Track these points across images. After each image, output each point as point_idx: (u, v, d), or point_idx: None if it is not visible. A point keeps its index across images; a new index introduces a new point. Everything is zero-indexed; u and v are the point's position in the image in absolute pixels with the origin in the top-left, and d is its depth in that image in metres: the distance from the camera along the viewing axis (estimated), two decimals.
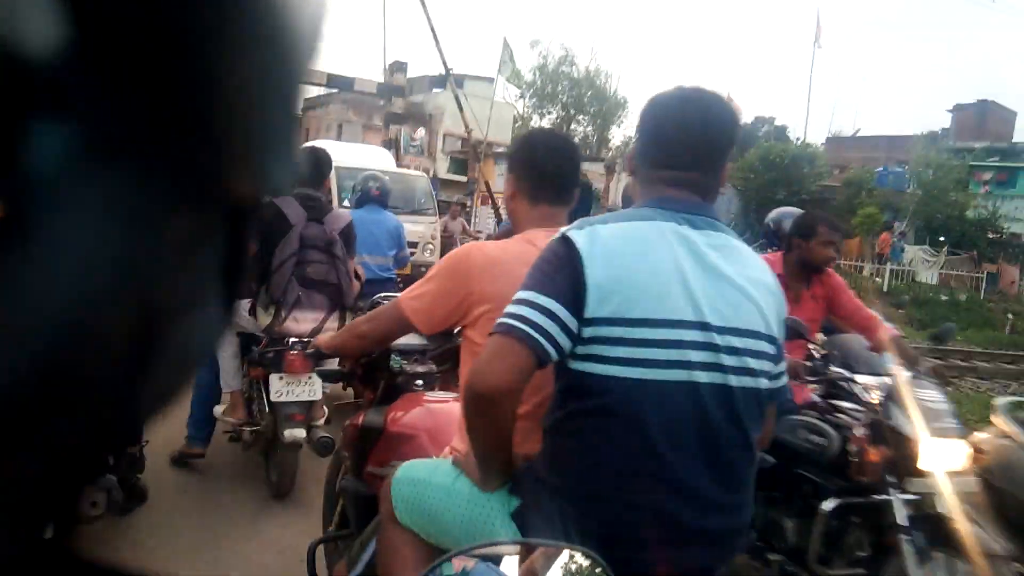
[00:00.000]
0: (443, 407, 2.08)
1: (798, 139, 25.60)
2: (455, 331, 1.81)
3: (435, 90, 25.62)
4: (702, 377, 1.27)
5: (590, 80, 29.53)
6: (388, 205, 5.36)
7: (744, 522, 1.37)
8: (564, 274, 1.26)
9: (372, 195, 5.14)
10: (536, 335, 1.22)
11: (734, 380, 1.29)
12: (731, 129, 1.40)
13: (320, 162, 3.78)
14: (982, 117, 27.25)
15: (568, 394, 1.32)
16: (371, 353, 2.22)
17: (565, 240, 1.30)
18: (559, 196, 1.71)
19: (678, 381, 1.25)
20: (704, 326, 1.27)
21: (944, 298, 17.22)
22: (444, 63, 14.64)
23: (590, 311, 1.24)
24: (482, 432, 1.32)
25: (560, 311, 1.24)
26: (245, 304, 3.64)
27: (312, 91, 33.26)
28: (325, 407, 3.70)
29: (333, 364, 2.33)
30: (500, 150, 19.86)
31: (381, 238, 5.02)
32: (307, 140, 13.56)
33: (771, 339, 1.36)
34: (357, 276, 3.89)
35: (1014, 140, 25.98)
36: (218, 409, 3.79)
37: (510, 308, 1.26)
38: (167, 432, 3.77)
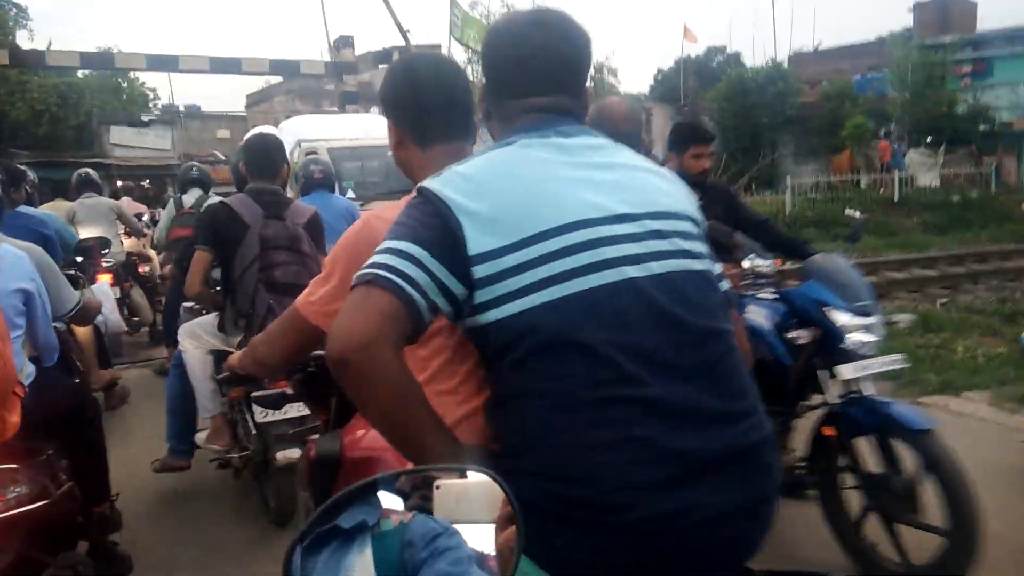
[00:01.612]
0: None
1: (769, 61, 25.44)
2: None
3: (380, 66, 25.06)
4: (635, 272, 1.14)
5: None
6: (334, 188, 5.20)
7: (762, 436, 1.17)
8: (429, 222, 1.13)
9: (315, 179, 4.96)
10: (401, 281, 1.07)
11: (674, 264, 1.18)
12: (588, 47, 1.33)
13: (270, 150, 3.51)
14: (944, 12, 27.53)
15: (494, 358, 1.16)
16: (305, 367, 1.83)
17: (419, 191, 1.19)
18: (453, 129, 1.47)
19: (609, 283, 1.12)
20: (617, 218, 1.16)
21: (956, 199, 17.20)
22: (400, 28, 14.25)
23: (474, 248, 1.11)
24: (372, 410, 1.10)
25: (430, 261, 1.10)
26: (212, 320, 3.46)
27: (254, 85, 32.71)
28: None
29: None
30: None
31: (335, 224, 4.76)
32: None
33: (693, 220, 1.26)
34: None
35: (979, 31, 26.07)
36: (200, 436, 3.61)
37: (369, 259, 1.12)
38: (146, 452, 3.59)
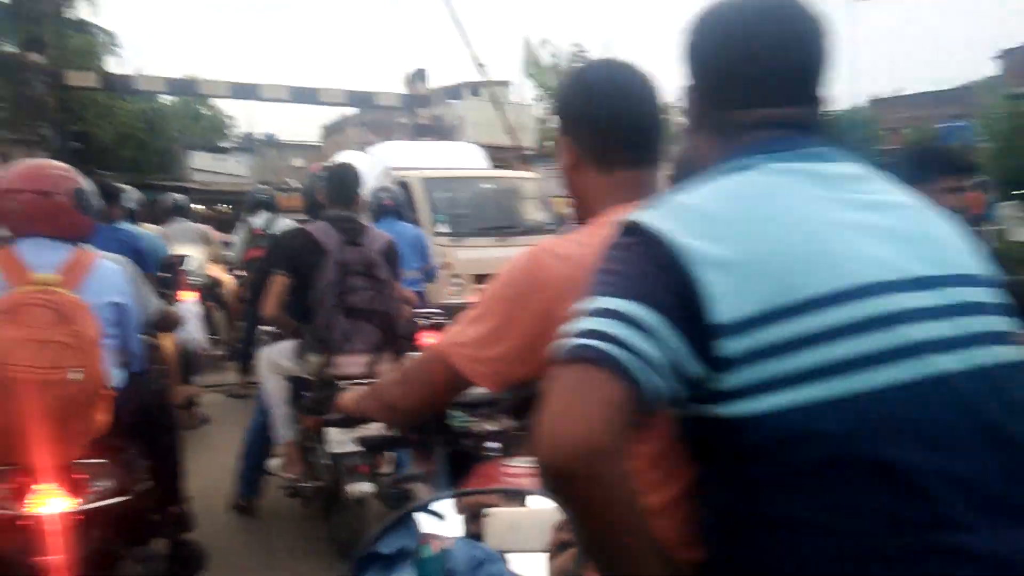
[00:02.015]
0: (535, 483, 1.62)
1: (848, 105, 25.06)
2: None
3: (448, 101, 25.78)
4: (949, 363, 0.84)
5: None
6: (403, 216, 5.43)
7: None
8: (652, 272, 0.86)
9: (385, 206, 5.21)
10: (629, 358, 0.80)
11: (993, 354, 0.86)
12: (825, 40, 1.02)
13: (347, 179, 3.64)
14: None
15: (733, 459, 0.88)
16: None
17: (630, 229, 0.91)
18: (643, 151, 1.24)
19: (915, 378, 0.83)
20: (914, 283, 0.87)
21: None
22: (475, 60, 14.46)
23: (721, 314, 0.83)
24: (592, 530, 0.83)
25: (662, 329, 0.82)
26: (290, 346, 3.51)
27: (329, 115, 33.92)
28: (393, 452, 3.39)
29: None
30: (529, 153, 19.83)
31: (404, 252, 4.87)
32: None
33: (994, 284, 0.95)
34: (407, 300, 3.77)
35: None
36: (273, 463, 3.65)
37: (572, 324, 0.87)
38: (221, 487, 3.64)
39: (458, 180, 8.07)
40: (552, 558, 0.94)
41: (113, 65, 23.52)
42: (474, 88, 27.50)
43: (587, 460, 0.77)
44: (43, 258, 2.32)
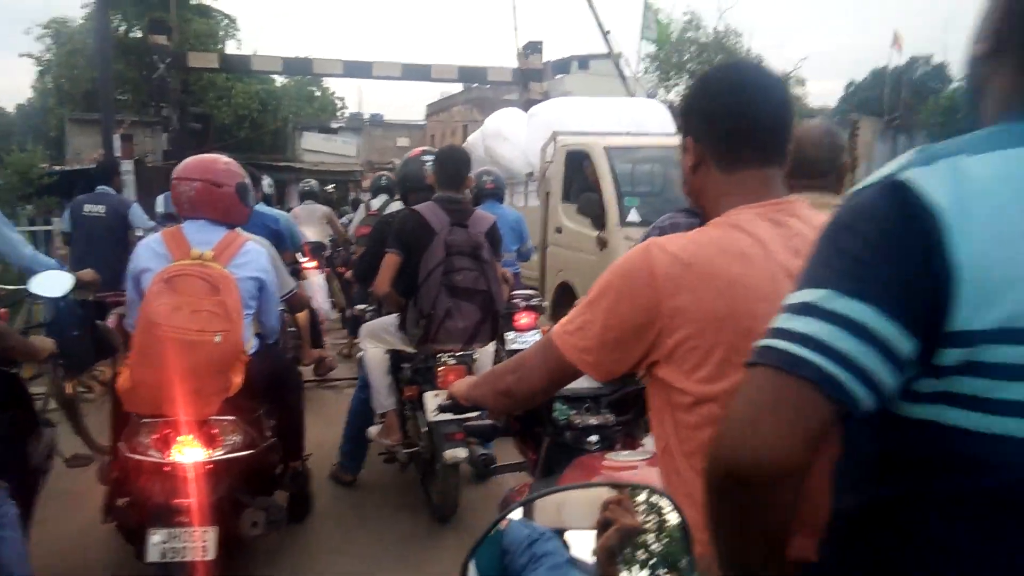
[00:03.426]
0: (634, 476, 1.66)
1: None
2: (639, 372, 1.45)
3: (557, 76, 25.73)
4: None
5: (719, 42, 28.45)
6: (503, 198, 5.65)
7: None
8: (900, 259, 0.76)
9: (487, 189, 5.42)
10: (846, 376, 0.76)
11: None
12: None
13: (458, 162, 3.84)
14: None
15: (900, 461, 0.84)
16: None
17: (900, 189, 0.77)
18: (767, 153, 1.25)
19: None
20: None
21: None
22: (601, 28, 14.08)
23: (960, 321, 0.74)
24: (741, 534, 0.84)
25: (884, 328, 0.75)
26: (392, 320, 3.80)
27: (433, 95, 34.72)
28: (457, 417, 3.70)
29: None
30: None
31: (504, 233, 5.12)
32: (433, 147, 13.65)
33: None
34: (506, 280, 3.94)
35: None
36: (372, 430, 3.95)
37: (791, 322, 0.80)
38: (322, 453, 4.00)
39: (648, 150, 6.44)
40: (598, 535, 1.00)
41: (232, 48, 25.11)
42: (582, 61, 27.27)
43: (773, 476, 0.77)
44: (202, 237, 2.74)
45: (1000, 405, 0.76)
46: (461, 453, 3.39)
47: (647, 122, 8.01)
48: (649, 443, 1.94)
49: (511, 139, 8.93)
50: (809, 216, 1.23)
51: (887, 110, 24.58)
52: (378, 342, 3.86)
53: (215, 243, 2.72)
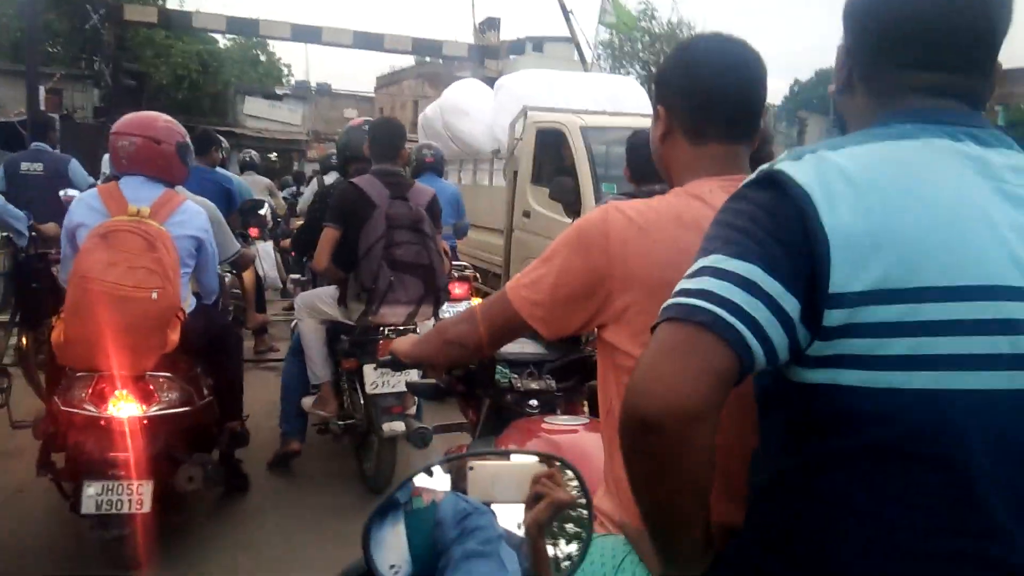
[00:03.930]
0: (573, 440, 1.68)
1: None
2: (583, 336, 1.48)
3: (512, 57, 25.76)
4: None
5: (672, 33, 28.91)
6: (442, 172, 5.77)
7: None
8: (779, 230, 0.87)
9: (426, 163, 5.55)
10: (737, 322, 0.83)
11: None
12: (1003, 3, 0.97)
13: (392, 133, 3.88)
14: None
15: (802, 426, 0.91)
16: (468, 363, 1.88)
17: (773, 178, 0.90)
18: (736, 129, 1.28)
19: (1011, 391, 0.85)
20: None
21: None
22: (564, 7, 13.90)
23: (837, 283, 0.84)
24: (657, 488, 0.88)
25: (769, 285, 0.84)
26: (330, 291, 3.84)
27: (383, 67, 34.28)
28: (415, 396, 3.73)
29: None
30: None
31: (442, 208, 5.31)
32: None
33: None
34: (445, 253, 4.00)
35: None
36: (307, 401, 3.98)
37: (688, 283, 0.88)
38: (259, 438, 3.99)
39: (629, 131, 5.92)
40: (528, 509, 1.04)
41: (173, 5, 24.34)
42: (536, 43, 27.31)
43: (682, 421, 0.81)
44: (140, 194, 2.81)
45: (883, 361, 0.84)
46: (399, 427, 3.47)
47: (624, 100, 7.47)
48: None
49: (472, 113, 8.25)
50: None
51: (833, 108, 25.27)
52: (314, 312, 3.89)
53: (153, 200, 2.79)
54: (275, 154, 20.75)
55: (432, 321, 3.96)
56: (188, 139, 3.02)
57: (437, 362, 1.60)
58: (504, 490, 1.07)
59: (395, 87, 31.67)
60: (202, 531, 3.23)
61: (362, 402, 3.70)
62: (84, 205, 2.80)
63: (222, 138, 5.78)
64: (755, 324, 0.83)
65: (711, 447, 0.84)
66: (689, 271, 0.90)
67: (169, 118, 3.01)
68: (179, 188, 3.01)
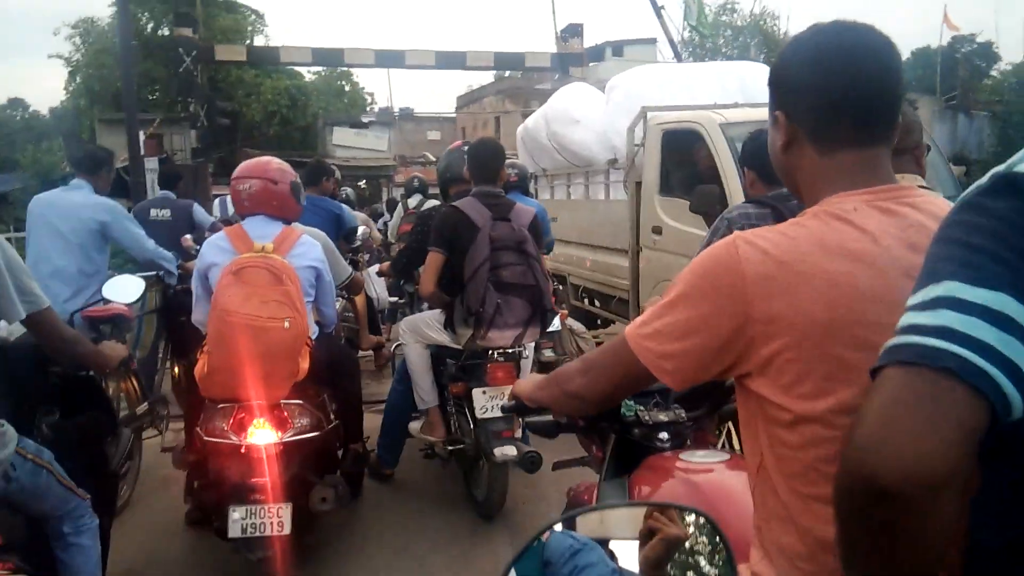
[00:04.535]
0: (715, 481, 1.60)
1: None
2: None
3: (591, 63, 25.77)
4: None
5: (755, 25, 28.29)
6: (528, 190, 5.82)
7: None
8: None
9: (511, 182, 5.56)
10: (990, 366, 0.70)
11: None
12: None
13: (492, 154, 3.93)
14: None
15: None
16: None
17: (1017, 183, 0.76)
18: (875, 130, 1.12)
19: None
20: None
21: None
22: (654, 4, 13.52)
23: None
24: (887, 565, 0.75)
25: None
26: (435, 315, 3.91)
27: (463, 87, 34.93)
28: (519, 418, 3.78)
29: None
30: None
31: None
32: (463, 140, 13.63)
33: None
34: (547, 274, 4.01)
35: None
36: (414, 426, 4.07)
37: (919, 316, 0.75)
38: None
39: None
40: (641, 545, 1.02)
41: (260, 42, 25.64)
42: (616, 47, 27.22)
43: (928, 489, 0.69)
44: (263, 231, 3.07)
45: None
46: (511, 451, 3.49)
47: (754, 89, 6.49)
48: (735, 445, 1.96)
49: (583, 120, 7.37)
50: (928, 204, 1.08)
51: (940, 90, 24.30)
52: (419, 337, 3.95)
53: (274, 236, 3.04)
54: (364, 181, 21.44)
55: (532, 347, 4.00)
56: (299, 179, 3.28)
57: (559, 411, 1.61)
58: (615, 525, 1.06)
59: (475, 105, 32.25)
60: (314, 562, 3.36)
61: (471, 426, 3.73)
62: (214, 246, 3.07)
63: (335, 168, 6.14)
64: (1011, 367, 0.70)
65: (956, 516, 0.71)
66: (914, 300, 0.77)
67: (281, 161, 3.28)
68: (294, 223, 3.26)
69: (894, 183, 1.10)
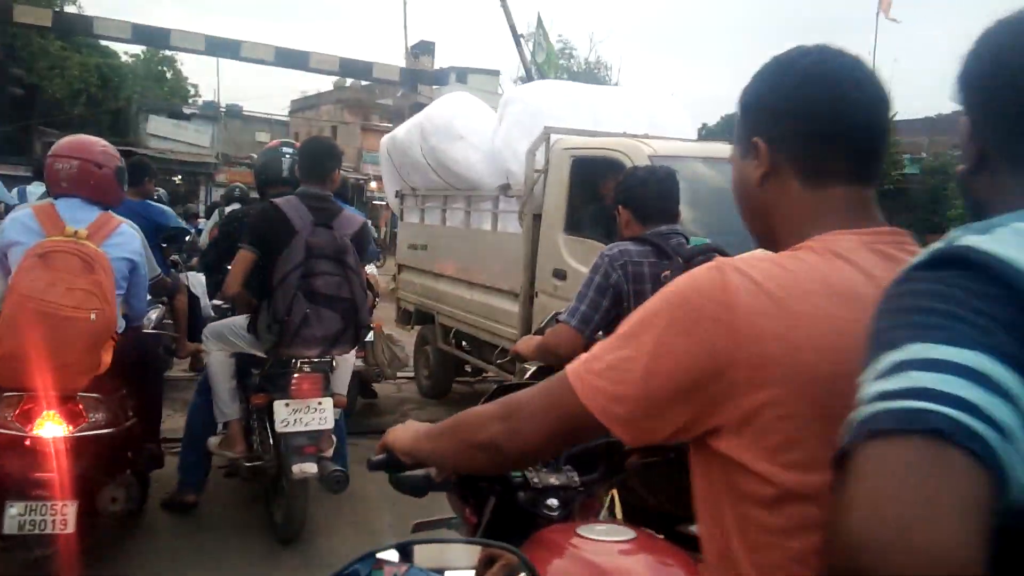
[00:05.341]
0: (627, 567, 1.40)
1: None
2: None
3: (434, 87, 26.27)
4: None
5: (590, 72, 30.15)
6: (348, 198, 5.68)
7: None
8: (994, 309, 0.68)
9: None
10: (981, 425, 0.61)
11: None
12: None
13: (323, 153, 3.81)
14: None
15: None
16: None
17: (964, 256, 0.72)
18: (864, 165, 1.05)
19: None
20: None
21: None
22: (514, 31, 13.60)
23: None
24: None
25: (1002, 375, 0.64)
26: (241, 321, 3.74)
27: (298, 91, 34.08)
28: (334, 436, 3.70)
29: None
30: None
31: None
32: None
33: None
34: (371, 287, 4.05)
35: None
36: (213, 441, 3.86)
37: (883, 384, 0.67)
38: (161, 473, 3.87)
39: (717, 163, 4.63)
40: (479, 573, 1.07)
41: (73, 11, 23.83)
42: (460, 73, 27.85)
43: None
44: (77, 215, 3.03)
45: None
46: (311, 468, 3.38)
47: (664, 122, 6.14)
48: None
49: (469, 136, 6.31)
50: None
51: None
52: (223, 344, 3.78)
53: (89, 222, 3.01)
54: (180, 177, 20.47)
55: (352, 354, 3.98)
56: (123, 163, 3.28)
57: (457, 467, 1.35)
58: (453, 556, 1.09)
59: (312, 112, 31.71)
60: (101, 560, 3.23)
61: (272, 442, 3.60)
62: (18, 224, 2.98)
63: (150, 164, 5.87)
64: (1002, 429, 0.61)
65: None
66: (871, 374, 0.69)
67: (105, 143, 3.27)
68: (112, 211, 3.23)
69: (887, 226, 1.03)
